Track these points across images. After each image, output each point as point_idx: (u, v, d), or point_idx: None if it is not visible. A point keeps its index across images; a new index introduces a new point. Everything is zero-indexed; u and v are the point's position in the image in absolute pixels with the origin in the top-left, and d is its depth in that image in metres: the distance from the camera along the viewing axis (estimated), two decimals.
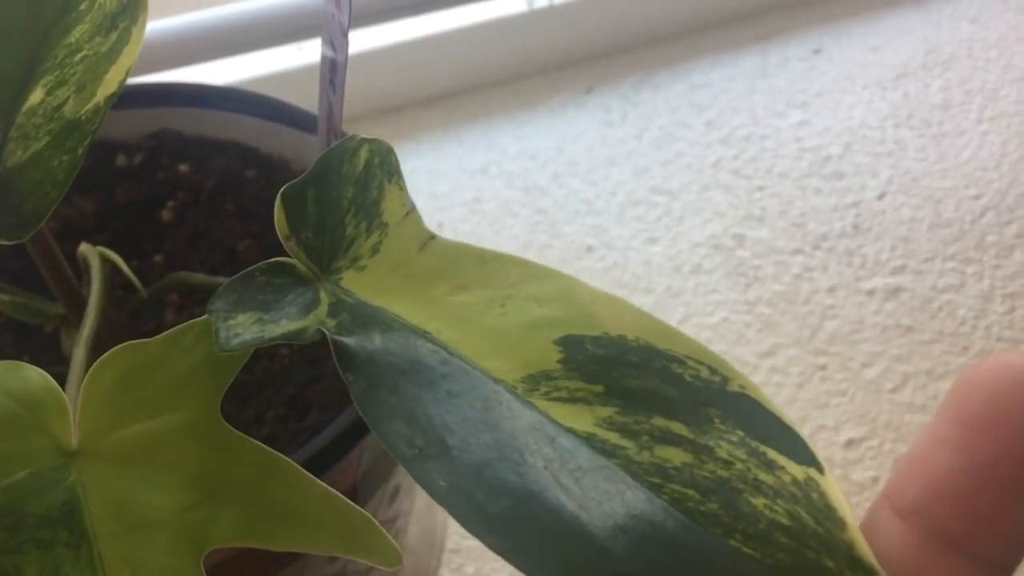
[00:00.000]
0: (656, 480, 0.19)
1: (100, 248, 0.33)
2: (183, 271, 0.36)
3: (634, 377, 0.20)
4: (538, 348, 0.21)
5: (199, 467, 0.22)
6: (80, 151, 0.27)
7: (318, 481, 0.23)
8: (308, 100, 0.43)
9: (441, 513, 0.53)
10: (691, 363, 0.21)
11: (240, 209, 0.41)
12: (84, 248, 0.33)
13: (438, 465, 0.19)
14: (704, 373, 0.21)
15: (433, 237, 0.24)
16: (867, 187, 0.67)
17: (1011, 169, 0.68)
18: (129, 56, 0.26)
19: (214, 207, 0.41)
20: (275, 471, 0.23)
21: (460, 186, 0.67)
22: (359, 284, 0.23)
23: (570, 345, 0.21)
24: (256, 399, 0.36)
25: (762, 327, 0.60)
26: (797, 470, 0.19)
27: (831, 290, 0.62)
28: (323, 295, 0.23)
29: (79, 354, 0.28)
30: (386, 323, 0.22)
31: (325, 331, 0.21)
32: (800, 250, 0.64)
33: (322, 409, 0.36)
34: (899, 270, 0.63)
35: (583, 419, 0.20)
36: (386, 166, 0.25)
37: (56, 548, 0.21)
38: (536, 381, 0.20)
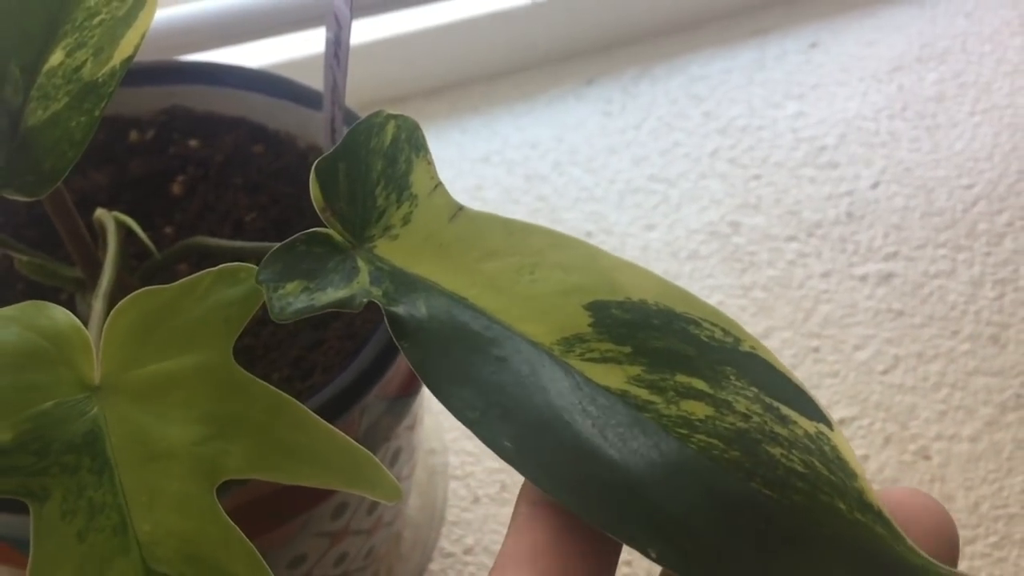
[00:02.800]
0: (684, 431, 0.21)
1: (115, 213, 0.34)
2: (197, 236, 0.37)
3: (657, 338, 0.22)
4: (570, 313, 0.22)
5: (212, 404, 0.24)
6: (97, 112, 0.29)
7: (322, 421, 0.24)
8: (319, 84, 0.45)
9: (441, 486, 0.54)
10: (706, 325, 0.22)
11: (248, 183, 0.42)
12: (100, 213, 0.35)
13: (501, 427, 0.21)
14: (718, 334, 0.22)
15: (461, 208, 0.25)
16: (861, 176, 0.68)
17: (1003, 160, 0.70)
18: (145, 20, 0.28)
19: (223, 181, 0.43)
20: (283, 410, 0.24)
21: (463, 174, 0.68)
22: (393, 252, 0.24)
23: (598, 310, 0.22)
24: (262, 361, 0.38)
25: (757, 311, 0.61)
26: (809, 425, 0.21)
27: (824, 275, 0.63)
28: (361, 263, 0.24)
29: (97, 306, 0.29)
30: (427, 290, 0.23)
31: (377, 302, 0.23)
32: (794, 237, 0.65)
33: (325, 370, 0.37)
34: (891, 256, 0.64)
35: (615, 377, 0.21)
36: (413, 140, 0.26)
37: (80, 472, 0.23)
38: (571, 344, 0.22)
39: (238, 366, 0.24)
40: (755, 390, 0.21)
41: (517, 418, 0.21)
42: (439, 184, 0.26)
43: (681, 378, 0.21)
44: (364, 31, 0.71)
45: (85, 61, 0.28)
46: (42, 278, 0.35)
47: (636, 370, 0.22)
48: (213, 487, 0.23)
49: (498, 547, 0.53)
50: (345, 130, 0.40)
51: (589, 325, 0.22)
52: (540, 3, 0.69)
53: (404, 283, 0.24)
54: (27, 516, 0.28)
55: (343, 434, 0.24)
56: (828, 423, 0.21)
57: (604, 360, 0.22)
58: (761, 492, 0.20)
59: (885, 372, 0.59)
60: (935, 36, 0.78)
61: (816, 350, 0.60)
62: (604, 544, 0.20)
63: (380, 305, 0.23)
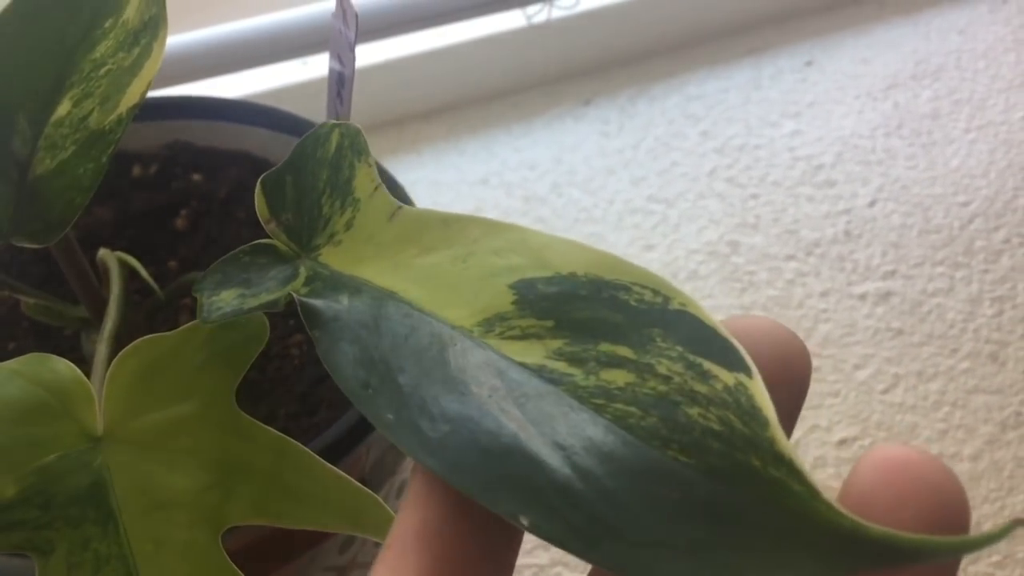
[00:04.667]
0: (600, 401, 0.20)
1: (118, 253, 0.35)
2: (198, 272, 0.37)
3: (583, 309, 0.21)
4: (493, 294, 0.22)
5: (216, 451, 0.24)
6: (104, 159, 0.29)
7: (327, 464, 0.24)
8: (312, 113, 0.45)
9: None
10: (636, 288, 0.22)
11: (251, 217, 0.43)
12: (103, 253, 0.35)
13: (387, 400, 0.20)
14: (647, 296, 0.21)
15: (400, 207, 0.25)
16: (858, 195, 0.69)
17: (999, 176, 0.70)
18: (150, 69, 0.28)
19: (226, 215, 0.43)
20: (287, 455, 0.24)
21: (461, 196, 0.69)
22: (335, 257, 0.24)
23: (523, 287, 0.22)
24: (268, 397, 0.38)
25: None
26: (728, 377, 0.20)
27: (823, 294, 0.64)
28: (302, 270, 0.24)
29: (102, 350, 0.29)
30: (355, 287, 0.23)
31: (293, 294, 0.22)
32: (793, 256, 0.66)
33: (331, 407, 0.37)
34: (890, 275, 0.65)
35: (534, 353, 0.21)
36: (355, 147, 0.26)
37: (85, 525, 0.23)
38: (491, 324, 0.22)
39: (240, 411, 0.25)
40: (680, 349, 0.20)
41: (406, 393, 0.20)
42: (379, 185, 0.25)
43: (604, 347, 0.21)
44: (362, 55, 0.71)
45: (92, 110, 0.28)
46: (47, 319, 0.35)
47: (557, 343, 0.21)
48: (218, 534, 0.23)
49: None
50: None
51: (512, 303, 0.22)
52: (537, 25, 0.70)
53: (335, 282, 0.23)
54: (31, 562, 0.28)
55: (348, 477, 0.25)
56: (748, 371, 0.20)
57: (524, 337, 0.21)
58: (676, 459, 0.19)
59: (885, 391, 0.59)
60: (929, 53, 0.78)
61: (817, 369, 0.60)
62: (505, 522, 0.19)
63: (295, 296, 0.22)
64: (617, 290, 0.22)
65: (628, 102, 0.75)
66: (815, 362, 0.60)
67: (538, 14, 0.69)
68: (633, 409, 0.20)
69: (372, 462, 0.37)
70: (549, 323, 0.21)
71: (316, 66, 0.70)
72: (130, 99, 0.28)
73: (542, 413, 0.20)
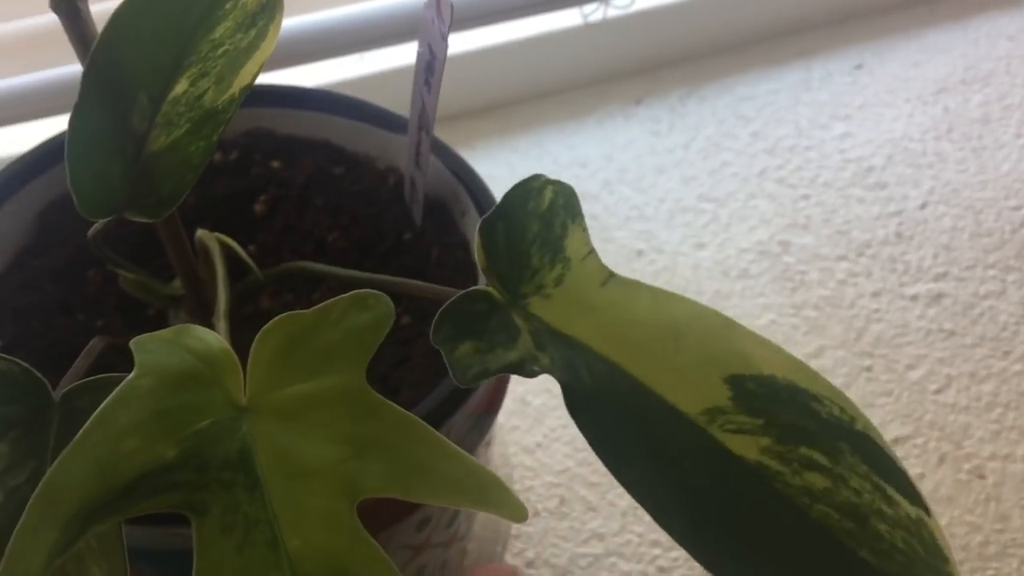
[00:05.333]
0: (806, 500, 0.24)
1: (217, 234, 0.36)
2: (302, 260, 0.38)
3: (785, 412, 0.25)
4: (712, 386, 0.26)
5: (350, 425, 0.25)
6: (214, 138, 0.30)
7: (451, 443, 0.25)
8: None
9: None
10: (826, 401, 0.26)
11: (329, 204, 0.44)
12: (202, 234, 0.36)
13: (667, 505, 0.25)
14: (836, 411, 0.25)
15: (612, 275, 0.28)
16: (909, 197, 0.69)
17: None
18: (265, 51, 0.29)
19: (304, 201, 0.44)
20: (415, 432, 0.25)
21: None
22: (546, 311, 0.27)
23: (736, 384, 0.26)
24: None
25: (809, 330, 0.62)
26: (911, 509, 0.24)
27: (875, 295, 0.64)
28: (519, 321, 0.27)
29: (222, 326, 0.30)
30: (584, 356, 0.26)
31: (551, 375, 0.26)
32: (844, 256, 0.66)
33: (412, 387, 0.38)
34: (941, 276, 0.65)
35: (750, 448, 0.25)
36: (569, 207, 0.28)
37: (235, 489, 0.24)
38: (713, 415, 0.25)
39: (371, 389, 0.26)
40: (866, 468, 0.25)
41: (673, 489, 0.24)
42: (592, 251, 0.28)
43: (804, 451, 0.25)
44: (408, 53, 0.72)
45: (207, 89, 0.29)
46: (143, 295, 0.36)
47: (766, 441, 0.25)
48: (354, 505, 0.24)
49: (558, 560, 0.54)
50: (431, 156, 0.41)
51: (729, 398, 0.25)
52: (593, 24, 0.70)
53: (564, 347, 0.26)
54: (156, 528, 0.29)
55: (469, 456, 0.25)
56: (927, 510, 0.24)
57: (740, 432, 0.25)
58: (867, 561, 0.23)
59: (938, 392, 0.59)
60: (979, 58, 0.78)
61: (869, 369, 0.60)
62: None
63: (561, 386, 0.26)
64: (810, 399, 0.26)
65: (679, 102, 0.75)
66: (867, 362, 0.61)
67: (594, 13, 0.70)
68: (832, 512, 0.24)
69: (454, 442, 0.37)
70: (759, 421, 0.25)
71: (373, 61, 0.71)
72: (243, 79, 0.29)
73: (767, 510, 0.24)
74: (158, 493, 0.23)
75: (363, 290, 0.25)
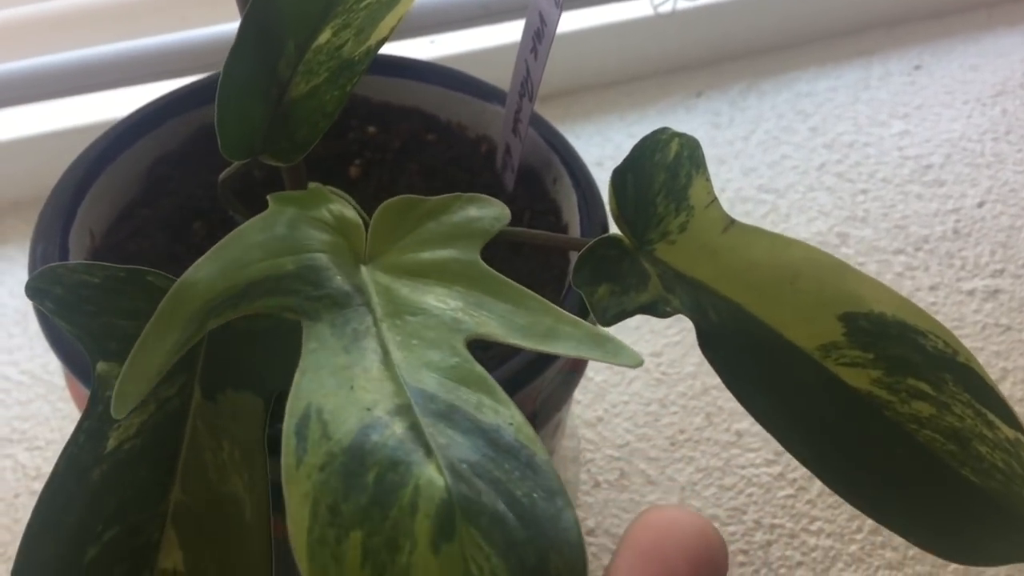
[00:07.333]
0: (915, 426, 0.26)
1: (330, 187, 0.37)
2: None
3: (893, 347, 0.27)
4: (826, 323, 0.28)
5: (463, 286, 0.26)
6: (349, 88, 0.32)
7: (563, 311, 0.26)
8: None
9: (573, 470, 0.57)
10: (931, 336, 0.27)
11: (423, 168, 0.45)
12: (315, 185, 0.37)
13: (790, 431, 0.27)
14: (940, 345, 0.27)
15: (733, 222, 0.29)
16: (967, 195, 0.70)
17: None
18: (405, 4, 0.31)
19: (398, 166, 0.45)
20: (527, 302, 0.26)
21: None
22: (672, 255, 0.29)
23: (848, 321, 0.28)
24: None
25: None
26: (1009, 432, 0.26)
27: (932, 288, 0.65)
28: (648, 266, 0.28)
29: None
30: (710, 297, 0.28)
31: (683, 314, 0.27)
32: (902, 250, 0.67)
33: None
34: (998, 273, 0.66)
35: (862, 379, 0.27)
36: (694, 158, 0.30)
37: (347, 308, 0.25)
38: (828, 350, 0.27)
39: (484, 263, 0.27)
40: (967, 396, 0.26)
41: (796, 419, 0.26)
42: (715, 199, 0.30)
43: (911, 381, 0.26)
44: (478, 37, 0.74)
45: (347, 40, 0.31)
46: None
47: (877, 373, 0.27)
48: (464, 340, 0.25)
49: (618, 530, 0.56)
50: (529, 126, 0.42)
51: (842, 334, 0.27)
52: (662, 15, 0.72)
53: (691, 289, 0.28)
54: None
55: (583, 321, 0.26)
56: None
57: (853, 365, 0.27)
58: (968, 478, 0.25)
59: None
60: None
61: None
62: None
63: (693, 324, 0.28)
64: (916, 335, 0.27)
65: (739, 96, 0.76)
66: None
67: (664, 3, 0.71)
68: (938, 436, 0.26)
69: (544, 397, 0.39)
70: (870, 355, 0.27)
71: (444, 44, 0.73)
72: (380, 32, 0.31)
73: (877, 433, 0.26)
74: (275, 294, 0.24)
75: (475, 194, 0.28)
